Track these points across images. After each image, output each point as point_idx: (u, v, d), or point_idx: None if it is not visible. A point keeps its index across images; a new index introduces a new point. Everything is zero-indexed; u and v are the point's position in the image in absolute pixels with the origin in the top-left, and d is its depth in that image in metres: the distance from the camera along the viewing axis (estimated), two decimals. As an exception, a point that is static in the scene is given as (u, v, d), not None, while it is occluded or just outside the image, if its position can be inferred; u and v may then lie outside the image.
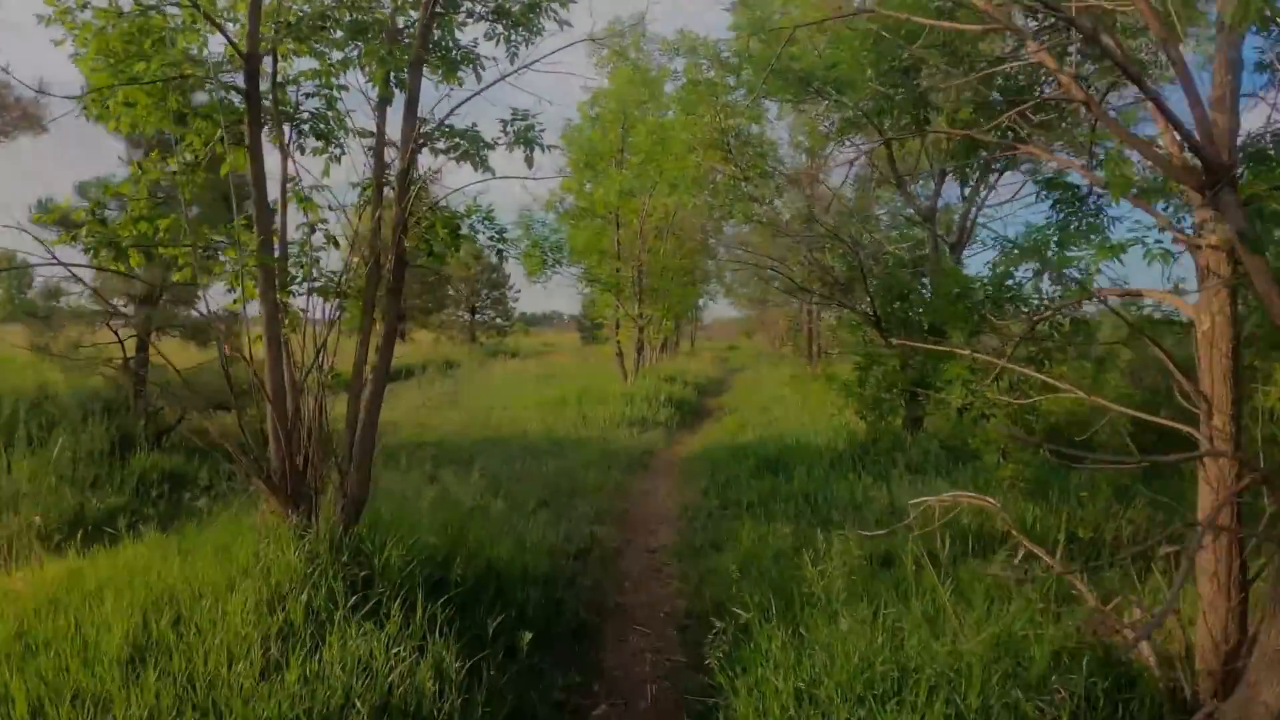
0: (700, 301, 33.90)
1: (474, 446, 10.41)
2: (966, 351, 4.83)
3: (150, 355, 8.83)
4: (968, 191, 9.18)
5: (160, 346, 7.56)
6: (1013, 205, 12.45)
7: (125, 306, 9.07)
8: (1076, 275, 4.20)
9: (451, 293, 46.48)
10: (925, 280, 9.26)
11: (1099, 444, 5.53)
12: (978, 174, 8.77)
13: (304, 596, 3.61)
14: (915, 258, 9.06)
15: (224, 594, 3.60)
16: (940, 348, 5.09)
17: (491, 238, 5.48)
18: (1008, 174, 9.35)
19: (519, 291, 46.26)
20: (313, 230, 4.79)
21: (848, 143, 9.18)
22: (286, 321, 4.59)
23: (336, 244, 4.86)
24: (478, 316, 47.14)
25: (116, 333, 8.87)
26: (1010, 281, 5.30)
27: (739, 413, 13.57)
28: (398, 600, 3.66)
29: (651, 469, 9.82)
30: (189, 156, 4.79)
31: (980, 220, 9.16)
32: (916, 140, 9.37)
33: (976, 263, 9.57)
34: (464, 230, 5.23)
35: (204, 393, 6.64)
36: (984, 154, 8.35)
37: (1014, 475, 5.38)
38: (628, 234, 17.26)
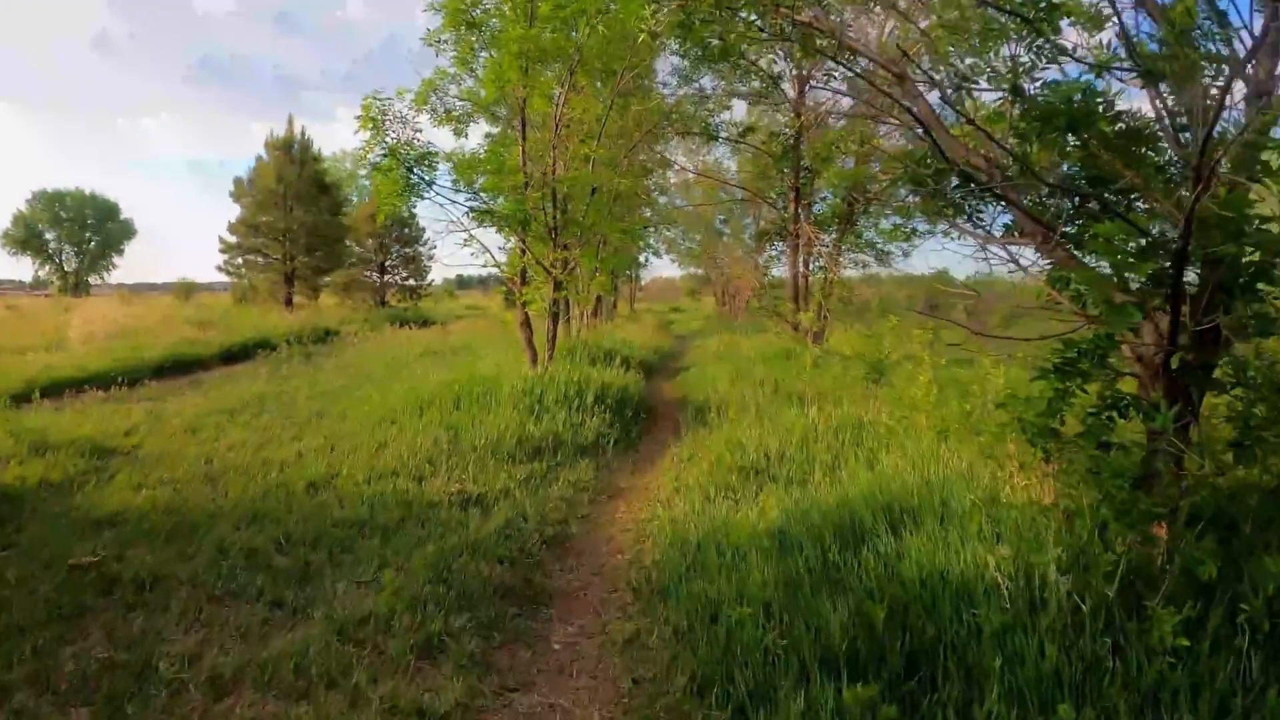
0: (641, 257, 28.20)
1: (185, 540, 4.66)
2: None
3: None
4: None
5: None
6: None
7: None
8: None
9: (358, 249, 39.46)
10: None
11: None
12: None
13: None
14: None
15: None
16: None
17: None
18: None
19: (435, 248, 39.53)
20: None
21: None
22: None
23: None
24: (387, 277, 40.35)
25: None
26: None
27: (725, 425, 7.94)
28: None
29: (556, 620, 4.16)
30: None
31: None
32: None
33: None
34: None
35: None
36: None
37: None
38: (539, 141, 11.31)
